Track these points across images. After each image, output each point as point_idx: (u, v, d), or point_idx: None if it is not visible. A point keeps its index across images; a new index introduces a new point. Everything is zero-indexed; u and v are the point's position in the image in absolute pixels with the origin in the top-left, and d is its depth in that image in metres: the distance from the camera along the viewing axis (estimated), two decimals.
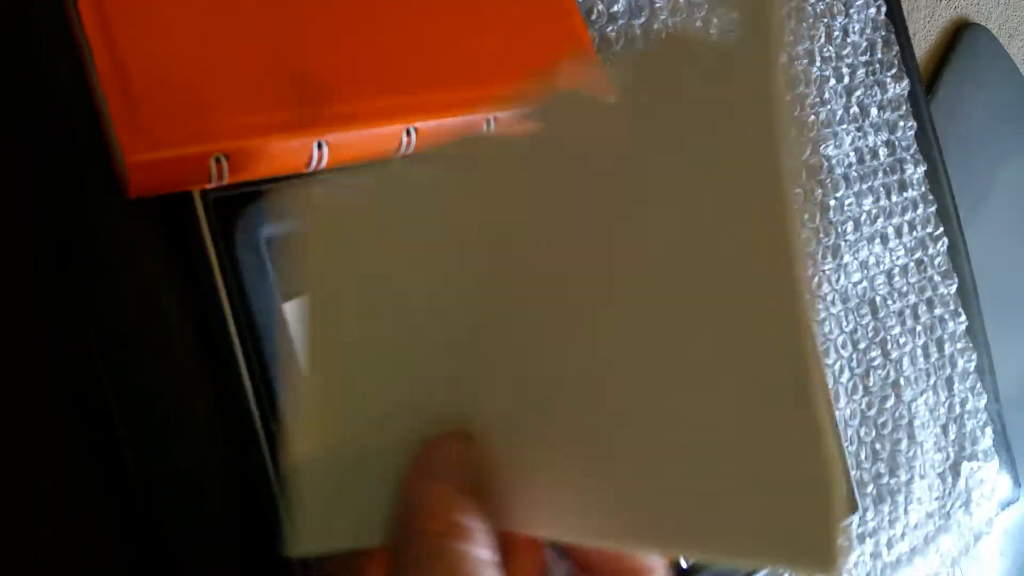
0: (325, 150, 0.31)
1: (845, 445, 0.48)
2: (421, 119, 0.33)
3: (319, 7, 0.32)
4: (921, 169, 0.55)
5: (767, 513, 0.19)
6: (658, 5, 0.45)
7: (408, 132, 0.33)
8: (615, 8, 0.44)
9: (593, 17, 0.43)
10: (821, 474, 0.17)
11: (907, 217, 0.54)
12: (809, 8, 0.51)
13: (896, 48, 0.54)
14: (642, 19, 0.45)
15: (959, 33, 0.89)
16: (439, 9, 0.34)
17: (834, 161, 0.51)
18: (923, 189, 0.55)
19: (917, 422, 0.51)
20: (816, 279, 0.49)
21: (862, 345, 0.50)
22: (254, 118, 0.29)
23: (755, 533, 0.19)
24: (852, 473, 0.48)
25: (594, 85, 0.23)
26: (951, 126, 0.84)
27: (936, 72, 0.87)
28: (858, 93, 0.53)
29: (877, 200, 0.52)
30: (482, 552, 0.21)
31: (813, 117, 0.50)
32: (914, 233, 0.54)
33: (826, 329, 0.49)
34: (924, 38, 0.87)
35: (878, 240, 0.52)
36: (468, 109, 0.34)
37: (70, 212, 0.29)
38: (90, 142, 0.29)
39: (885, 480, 0.49)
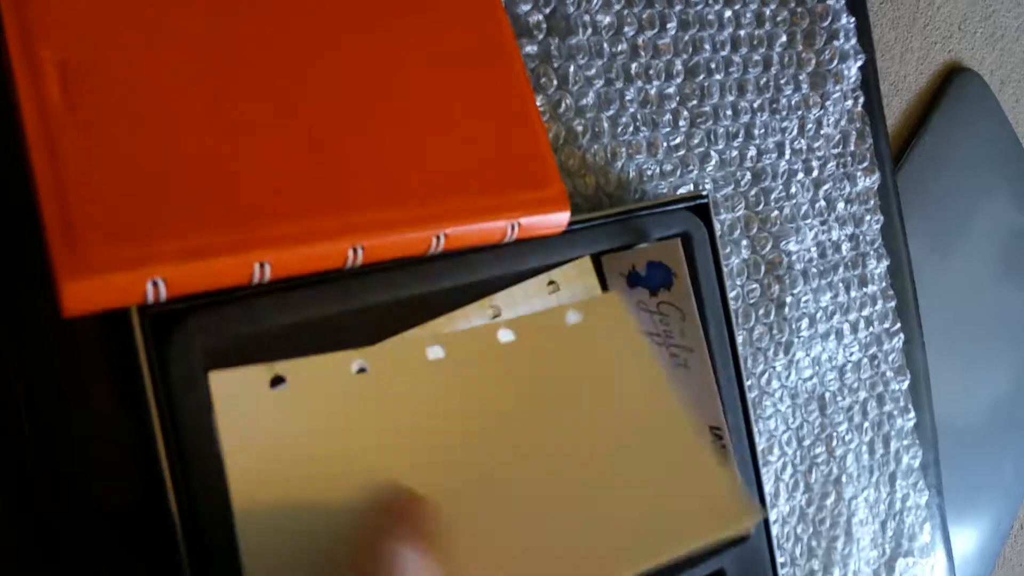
0: (268, 268, 0.30)
1: (782, 542, 0.48)
2: (369, 237, 0.32)
3: (262, 128, 0.31)
4: (884, 264, 0.55)
5: (693, 513, 0.35)
6: (628, 97, 0.45)
7: (355, 249, 0.32)
8: (584, 101, 0.43)
9: (561, 110, 0.43)
10: (720, 478, 0.36)
11: (864, 312, 0.54)
12: (784, 100, 0.51)
13: (870, 140, 0.54)
14: (611, 111, 0.44)
15: (951, 77, 0.89)
16: (388, 125, 0.34)
17: (794, 257, 0.50)
18: (884, 284, 0.55)
19: (856, 519, 0.52)
20: (766, 376, 0.49)
21: (807, 442, 0.50)
22: (194, 240, 0.29)
23: (688, 527, 0.34)
24: (786, 571, 0.48)
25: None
26: (934, 170, 0.84)
27: (924, 116, 0.87)
28: (827, 187, 0.52)
29: (835, 296, 0.52)
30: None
31: (777, 211, 0.50)
32: (871, 329, 0.54)
33: (772, 425, 0.49)
34: (915, 80, 0.87)
35: (833, 336, 0.52)
36: (418, 226, 0.33)
37: (7, 320, 0.29)
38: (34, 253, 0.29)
39: None
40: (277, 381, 0.32)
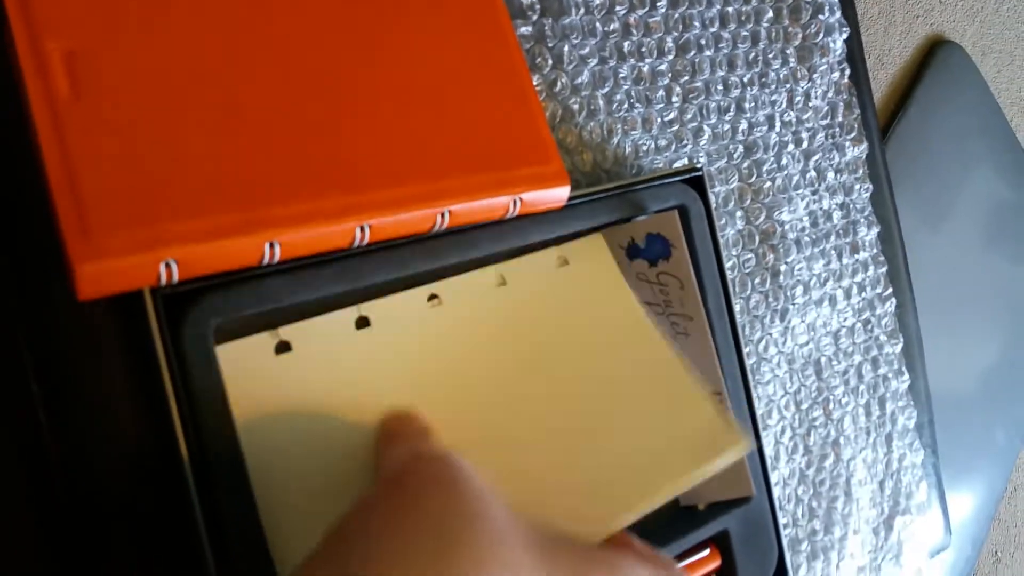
0: (277, 248, 0.31)
1: (783, 503, 0.49)
2: (375, 216, 0.32)
3: (268, 111, 0.31)
4: (875, 231, 0.55)
5: (686, 443, 0.36)
6: (622, 75, 0.45)
7: (362, 228, 0.32)
8: (579, 80, 0.43)
9: (557, 89, 0.43)
10: (707, 408, 0.37)
11: (857, 278, 0.54)
12: (772, 74, 0.51)
13: (857, 111, 0.54)
14: (605, 89, 0.44)
15: (933, 50, 0.89)
16: (391, 106, 0.34)
17: (787, 226, 0.51)
18: (875, 251, 0.55)
19: (855, 479, 0.52)
20: (763, 342, 0.49)
21: (805, 405, 0.50)
22: (205, 221, 0.29)
23: (689, 458, 0.35)
24: (788, 531, 0.49)
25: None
26: (919, 142, 0.85)
27: (908, 89, 0.87)
28: (816, 157, 0.52)
29: (828, 263, 0.52)
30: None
31: (770, 183, 0.50)
32: (863, 294, 0.54)
33: (770, 391, 0.49)
34: (899, 54, 0.87)
35: (827, 302, 0.52)
36: (422, 204, 0.34)
37: (25, 304, 0.29)
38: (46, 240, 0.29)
39: (820, 537, 0.50)
40: (283, 348, 0.32)
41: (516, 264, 0.39)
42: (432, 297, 0.37)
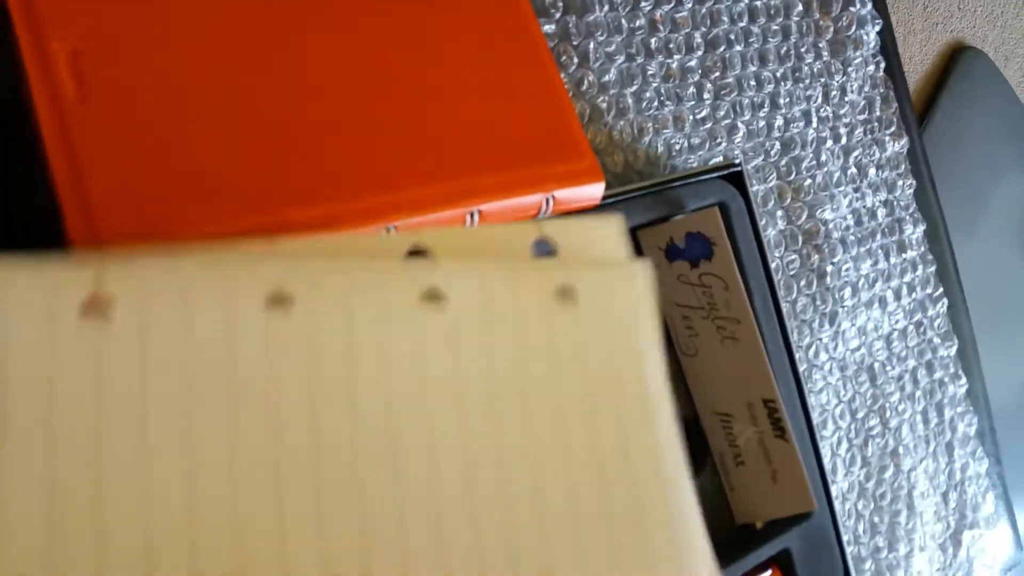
0: None
1: (844, 520, 0.45)
2: (402, 216, 0.30)
3: (286, 111, 0.28)
4: (920, 228, 0.52)
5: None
6: (650, 72, 0.42)
7: (388, 231, 0.29)
8: (606, 78, 0.41)
9: (583, 88, 0.40)
10: None
11: (906, 279, 0.50)
12: (806, 68, 0.48)
13: (895, 105, 0.51)
14: (634, 87, 0.42)
15: (955, 57, 0.87)
16: (416, 104, 0.31)
17: (831, 225, 0.47)
18: (922, 249, 0.52)
19: (917, 492, 0.48)
20: (813, 348, 0.46)
21: (860, 414, 0.47)
22: (217, 226, 0.26)
23: None
24: (851, 549, 0.45)
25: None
26: (947, 149, 0.81)
27: (932, 96, 0.84)
28: (856, 153, 0.49)
29: (875, 263, 0.49)
30: None
31: (810, 180, 0.47)
32: (913, 295, 0.51)
33: (824, 399, 0.45)
34: (921, 62, 0.84)
35: (876, 304, 0.49)
36: (451, 204, 0.31)
37: None
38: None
39: (884, 555, 0.46)
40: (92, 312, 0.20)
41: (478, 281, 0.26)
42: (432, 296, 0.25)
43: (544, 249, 0.29)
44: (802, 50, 0.48)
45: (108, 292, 0.20)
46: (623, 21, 0.42)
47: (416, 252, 0.27)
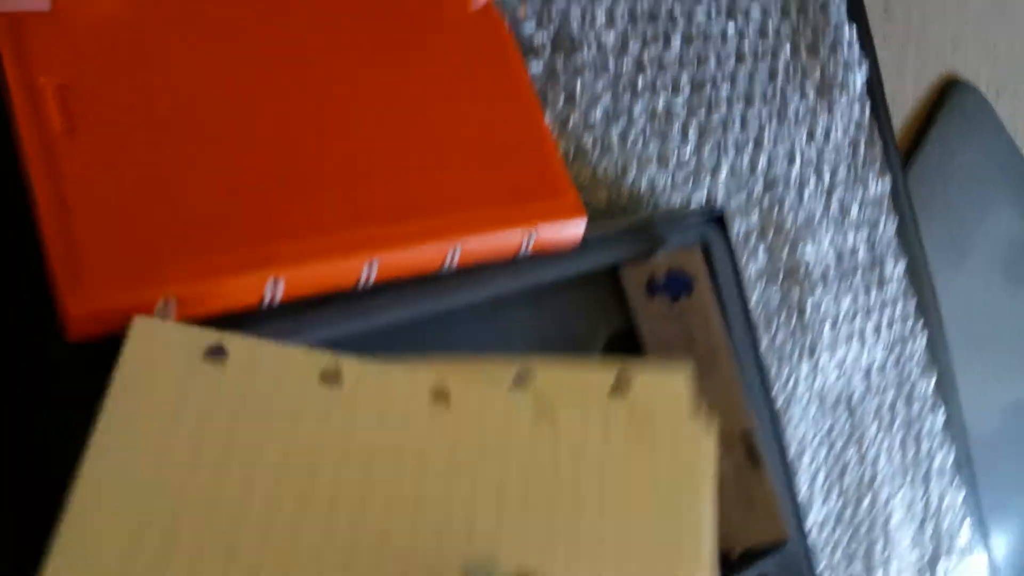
0: (281, 285, 0.28)
1: (822, 548, 0.45)
2: (383, 250, 0.30)
3: (271, 144, 0.29)
4: (901, 264, 0.52)
5: None
6: (636, 111, 0.43)
7: (370, 264, 0.30)
8: (591, 117, 0.41)
9: (569, 127, 0.41)
10: None
11: (886, 314, 0.51)
12: (791, 109, 0.48)
13: (879, 144, 0.52)
14: (619, 126, 0.42)
15: (947, 90, 0.87)
16: (399, 140, 0.32)
17: (812, 262, 0.48)
18: (903, 284, 0.52)
19: (893, 521, 0.48)
20: (792, 380, 0.46)
21: (838, 445, 0.47)
22: (204, 259, 0.27)
23: None
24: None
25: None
26: (936, 181, 0.82)
27: (923, 130, 0.84)
28: (839, 192, 0.50)
29: (855, 299, 0.49)
30: None
31: (792, 218, 0.48)
32: (893, 329, 0.51)
33: (801, 431, 0.46)
34: (913, 95, 0.84)
35: (856, 338, 0.49)
36: (432, 238, 0.31)
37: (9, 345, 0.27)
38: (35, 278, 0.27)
39: None
40: (216, 352, 0.26)
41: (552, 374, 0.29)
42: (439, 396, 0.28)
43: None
44: (788, 91, 0.48)
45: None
46: (610, 61, 0.42)
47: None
